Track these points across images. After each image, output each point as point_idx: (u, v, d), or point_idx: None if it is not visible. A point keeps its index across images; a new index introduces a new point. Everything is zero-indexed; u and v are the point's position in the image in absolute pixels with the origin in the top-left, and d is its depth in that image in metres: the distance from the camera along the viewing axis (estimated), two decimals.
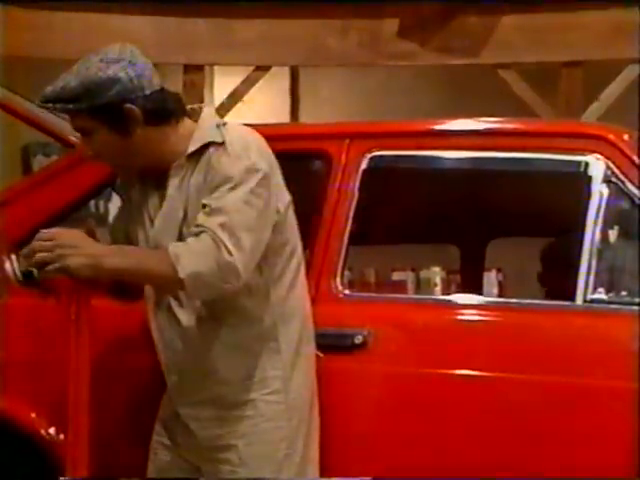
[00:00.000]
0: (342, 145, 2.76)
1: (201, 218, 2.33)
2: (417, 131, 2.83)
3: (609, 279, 2.60)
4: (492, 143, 2.74)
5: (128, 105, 2.35)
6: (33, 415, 2.72)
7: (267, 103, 6.20)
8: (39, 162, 6.00)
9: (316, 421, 2.52)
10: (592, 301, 2.58)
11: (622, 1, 5.16)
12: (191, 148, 2.43)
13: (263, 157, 2.40)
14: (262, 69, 5.55)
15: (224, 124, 2.44)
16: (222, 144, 2.39)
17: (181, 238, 2.40)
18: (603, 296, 2.59)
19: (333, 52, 5.47)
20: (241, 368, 2.43)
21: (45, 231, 2.32)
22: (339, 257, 2.70)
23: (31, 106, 3.02)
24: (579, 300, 2.59)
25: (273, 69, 5.62)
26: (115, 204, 2.77)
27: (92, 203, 3.12)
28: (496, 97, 5.46)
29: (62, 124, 3.00)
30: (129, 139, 2.39)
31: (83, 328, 2.36)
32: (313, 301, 2.61)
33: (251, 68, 5.55)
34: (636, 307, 2.56)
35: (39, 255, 2.26)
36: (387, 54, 5.46)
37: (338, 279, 2.69)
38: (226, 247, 2.28)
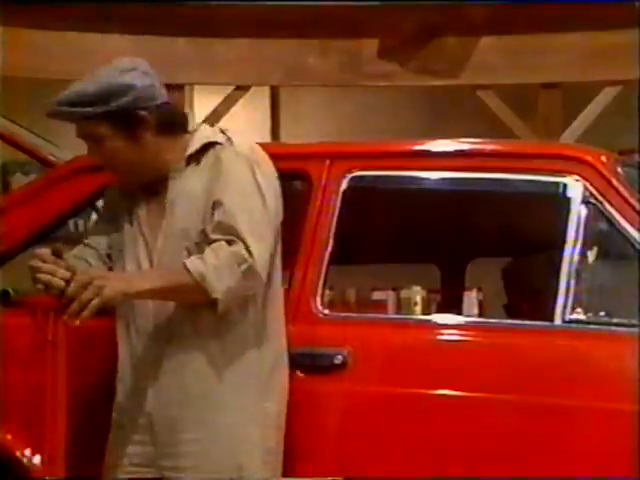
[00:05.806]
0: (322, 165, 2.77)
1: (218, 217, 2.35)
2: (397, 152, 2.84)
3: (588, 299, 2.61)
4: (471, 164, 2.75)
5: (142, 112, 2.40)
6: (9, 437, 2.70)
7: (247, 122, 6.21)
8: (17, 181, 5.98)
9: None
10: (571, 321, 2.59)
11: (600, 24, 5.20)
12: (191, 149, 2.46)
13: (269, 163, 2.46)
14: (242, 89, 5.54)
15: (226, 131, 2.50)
16: (228, 144, 2.43)
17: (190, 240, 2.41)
18: (582, 316, 2.60)
19: (313, 72, 5.48)
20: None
21: (68, 274, 2.27)
22: (319, 277, 2.69)
23: (10, 125, 3.01)
24: (558, 320, 2.60)
25: (253, 88, 5.62)
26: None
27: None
28: (475, 118, 5.49)
29: (41, 144, 2.99)
30: (139, 146, 2.43)
31: (60, 347, 2.35)
32: (293, 321, 2.61)
33: (231, 87, 5.55)
34: (614, 327, 2.58)
35: (84, 296, 2.23)
36: (367, 74, 5.47)
37: (318, 299, 2.68)
38: (248, 250, 2.32)
